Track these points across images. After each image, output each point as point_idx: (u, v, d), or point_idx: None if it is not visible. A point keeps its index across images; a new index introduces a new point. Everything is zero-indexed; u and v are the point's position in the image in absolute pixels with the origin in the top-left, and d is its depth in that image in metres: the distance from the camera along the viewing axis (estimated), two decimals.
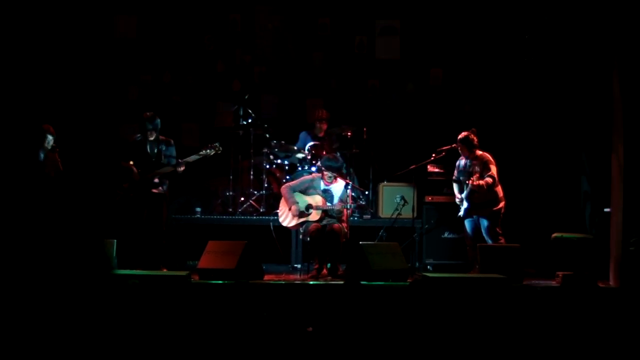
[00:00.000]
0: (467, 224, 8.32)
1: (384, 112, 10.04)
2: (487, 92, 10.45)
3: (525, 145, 9.83)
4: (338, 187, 8.26)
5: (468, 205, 8.16)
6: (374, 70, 10.63)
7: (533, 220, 9.20)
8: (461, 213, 8.26)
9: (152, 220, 8.08)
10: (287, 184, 8.40)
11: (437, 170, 9.31)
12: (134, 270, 7.44)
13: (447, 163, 9.08)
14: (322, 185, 8.25)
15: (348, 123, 9.72)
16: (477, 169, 8.12)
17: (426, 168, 9.19)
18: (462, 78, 10.53)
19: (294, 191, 8.24)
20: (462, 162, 8.36)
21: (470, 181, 8.02)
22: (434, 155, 8.64)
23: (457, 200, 8.35)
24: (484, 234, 8.18)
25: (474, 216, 8.23)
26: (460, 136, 8.26)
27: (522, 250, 7.89)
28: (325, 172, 8.22)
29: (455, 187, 8.42)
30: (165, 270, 7.93)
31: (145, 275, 6.86)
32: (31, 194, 7.72)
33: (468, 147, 8.22)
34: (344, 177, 8.32)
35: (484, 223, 8.19)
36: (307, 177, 8.45)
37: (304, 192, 8.25)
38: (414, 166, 8.66)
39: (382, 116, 9.92)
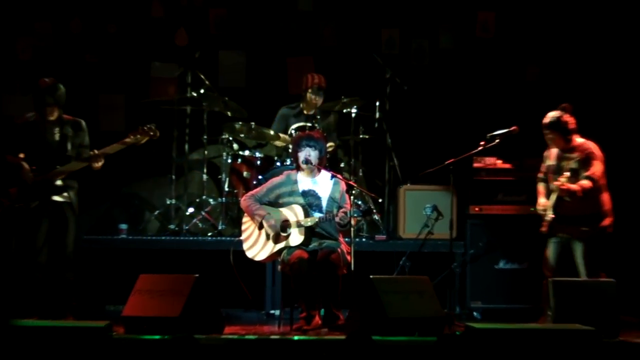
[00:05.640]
0: (552, 246, 8.31)
1: (407, 78, 10.02)
2: (562, 48, 10.52)
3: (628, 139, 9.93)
4: (324, 182, 8.21)
5: (554, 218, 8.16)
6: (390, 15, 10.66)
7: (632, 245, 9.24)
8: (544, 228, 8.25)
9: (53, 242, 8.05)
10: (247, 194, 8.36)
11: (493, 164, 9.27)
12: (27, 321, 7.39)
13: (506, 154, 9.07)
14: (301, 185, 8.21)
15: (352, 95, 9.71)
16: (573, 164, 8.14)
17: (471, 163, 9.18)
18: (525, 25, 10.59)
19: (260, 202, 8.20)
20: (553, 152, 8.35)
21: (558, 182, 8.03)
22: (482, 143, 8.62)
23: (539, 207, 8.33)
24: (578, 263, 8.18)
25: (563, 235, 8.23)
26: (548, 118, 8.24)
27: (619, 288, 7.88)
28: (300, 157, 8.13)
29: (540, 187, 8.43)
30: (72, 319, 7.89)
31: (43, 327, 6.80)
32: None
33: (562, 133, 8.20)
34: (334, 170, 8.29)
35: (578, 246, 8.19)
36: (275, 178, 8.41)
37: (275, 202, 8.20)
38: (452, 160, 8.63)
39: (403, 84, 9.89)
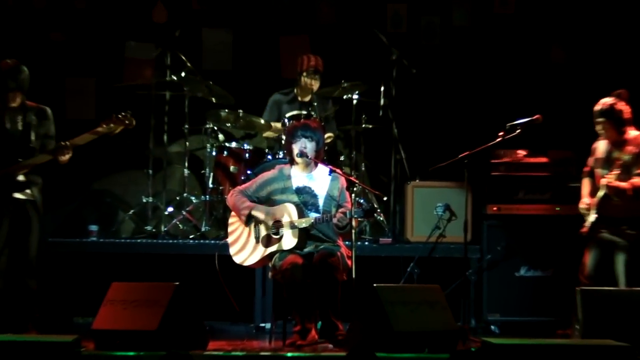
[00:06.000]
0: (592, 251, 8.32)
1: (416, 60, 10.02)
2: (591, 24, 10.55)
3: None
4: (322, 177, 8.20)
5: (597, 218, 8.16)
6: None
7: None
8: (584, 229, 8.28)
9: (14, 245, 8.05)
10: (235, 189, 8.34)
11: (516, 158, 9.28)
12: None
13: (528, 146, 9.07)
14: (295, 181, 8.20)
15: (353, 79, 9.72)
16: (624, 159, 8.13)
17: (489, 156, 9.18)
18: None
19: (249, 199, 8.20)
20: (601, 145, 8.35)
21: (605, 179, 8.03)
22: (501, 134, 8.62)
23: (581, 206, 8.34)
24: (618, 272, 8.20)
25: (605, 238, 8.25)
26: (600, 105, 8.25)
27: None
28: (294, 149, 8.14)
29: (585, 184, 8.45)
30: (35, 332, 7.89)
31: (2, 342, 6.81)
32: None
33: (615, 122, 8.20)
34: (333, 165, 8.28)
35: (621, 254, 8.21)
36: (266, 173, 8.40)
37: (267, 199, 8.20)
38: (466, 153, 8.63)
39: (412, 67, 9.89)
